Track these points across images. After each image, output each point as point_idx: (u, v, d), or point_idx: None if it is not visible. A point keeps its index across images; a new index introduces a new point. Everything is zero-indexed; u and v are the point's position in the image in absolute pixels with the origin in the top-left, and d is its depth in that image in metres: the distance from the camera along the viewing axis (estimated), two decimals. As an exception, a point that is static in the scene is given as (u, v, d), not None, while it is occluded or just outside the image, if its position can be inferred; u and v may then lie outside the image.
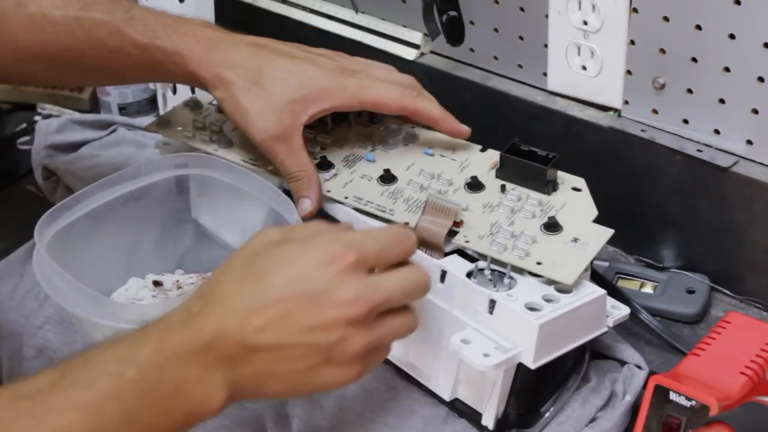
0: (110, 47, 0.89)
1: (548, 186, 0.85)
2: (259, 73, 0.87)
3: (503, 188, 0.86)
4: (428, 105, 0.90)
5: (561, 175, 0.86)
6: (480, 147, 0.91)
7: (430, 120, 0.90)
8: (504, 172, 0.87)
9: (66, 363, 0.66)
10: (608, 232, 0.82)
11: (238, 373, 0.67)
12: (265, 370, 0.68)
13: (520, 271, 0.80)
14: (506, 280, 0.79)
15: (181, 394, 0.66)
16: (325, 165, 0.91)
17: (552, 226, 0.82)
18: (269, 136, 0.86)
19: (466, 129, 0.90)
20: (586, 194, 0.85)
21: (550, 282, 0.79)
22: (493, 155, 0.90)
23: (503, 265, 0.80)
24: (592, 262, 0.81)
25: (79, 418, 0.63)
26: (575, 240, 0.81)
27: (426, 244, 0.82)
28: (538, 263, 0.79)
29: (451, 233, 0.82)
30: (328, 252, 0.68)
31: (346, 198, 0.88)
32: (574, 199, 0.85)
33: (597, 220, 0.83)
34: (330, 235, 0.71)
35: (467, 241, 0.81)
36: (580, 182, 0.86)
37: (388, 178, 0.89)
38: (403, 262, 0.72)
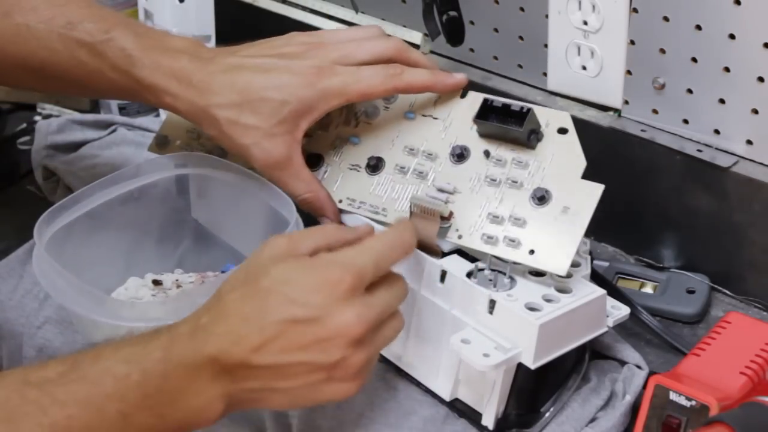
0: (90, 68, 0.88)
1: (531, 140, 0.83)
2: (241, 100, 0.85)
3: (487, 154, 0.85)
4: (415, 76, 0.87)
5: (543, 113, 0.83)
6: (460, 93, 0.88)
7: (423, 89, 0.88)
8: (484, 131, 0.85)
9: (77, 355, 0.69)
10: (598, 189, 0.79)
11: (238, 387, 0.70)
12: (265, 386, 0.70)
13: (520, 271, 0.80)
14: (506, 280, 0.79)
15: (179, 402, 0.69)
16: (314, 159, 0.91)
17: (540, 198, 0.81)
18: (269, 165, 0.86)
19: (460, 77, 0.88)
20: (572, 137, 0.82)
21: (549, 282, 0.79)
22: (475, 99, 0.86)
23: (503, 265, 0.80)
24: (592, 258, 0.81)
25: (79, 413, 0.66)
26: (565, 210, 0.79)
27: (421, 247, 0.82)
28: (531, 252, 0.79)
29: (444, 229, 0.82)
30: (326, 277, 0.70)
31: (340, 201, 0.89)
32: (560, 147, 0.82)
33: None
34: (329, 257, 0.72)
35: (460, 236, 0.81)
36: (565, 119, 0.83)
37: (375, 166, 0.88)
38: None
